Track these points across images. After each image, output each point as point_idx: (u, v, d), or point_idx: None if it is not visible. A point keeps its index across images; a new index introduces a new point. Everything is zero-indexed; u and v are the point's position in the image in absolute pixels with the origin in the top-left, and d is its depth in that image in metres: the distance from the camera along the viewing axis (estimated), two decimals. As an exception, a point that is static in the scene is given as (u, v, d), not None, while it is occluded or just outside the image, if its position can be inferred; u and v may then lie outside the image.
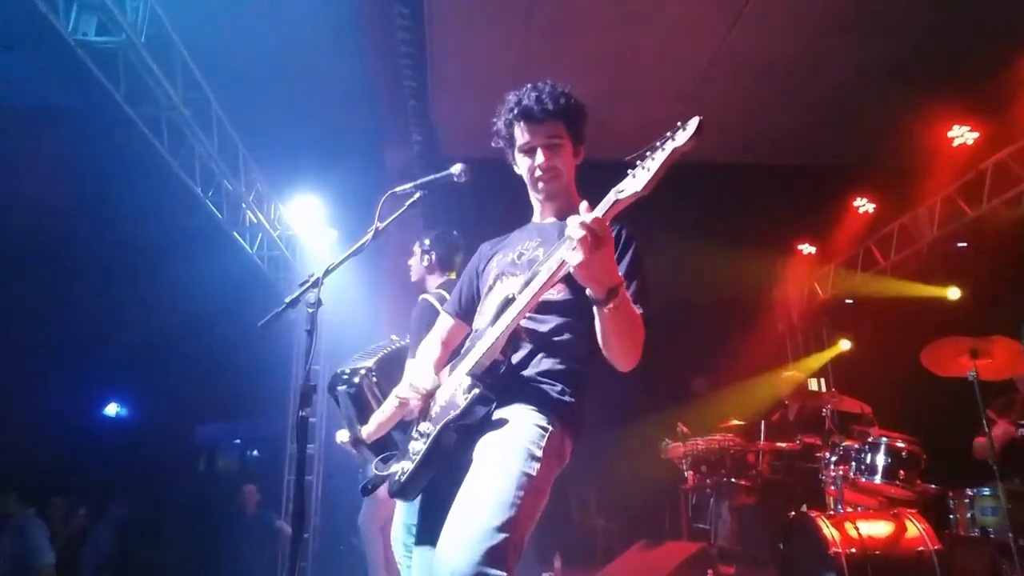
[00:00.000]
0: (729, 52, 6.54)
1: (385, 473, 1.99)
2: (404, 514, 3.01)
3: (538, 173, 2.10)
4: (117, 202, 6.72)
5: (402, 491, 1.92)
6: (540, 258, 1.96)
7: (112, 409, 10.80)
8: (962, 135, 6.75)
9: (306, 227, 7.18)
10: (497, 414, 1.85)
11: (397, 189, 2.26)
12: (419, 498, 2.00)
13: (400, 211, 2.25)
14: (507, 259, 2.14)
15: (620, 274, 1.73)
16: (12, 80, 5.37)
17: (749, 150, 7.91)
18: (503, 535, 1.62)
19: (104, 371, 9.32)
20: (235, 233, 6.77)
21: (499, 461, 1.75)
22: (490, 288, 2.13)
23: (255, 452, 12.05)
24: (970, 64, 6.09)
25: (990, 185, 6.40)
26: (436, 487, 1.89)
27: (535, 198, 2.21)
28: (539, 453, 1.78)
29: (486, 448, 1.80)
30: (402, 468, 1.93)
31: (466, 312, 2.25)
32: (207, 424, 11.13)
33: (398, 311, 7.73)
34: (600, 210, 1.64)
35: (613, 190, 1.65)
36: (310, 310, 2.11)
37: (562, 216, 2.09)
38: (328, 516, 7.58)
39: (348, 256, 2.23)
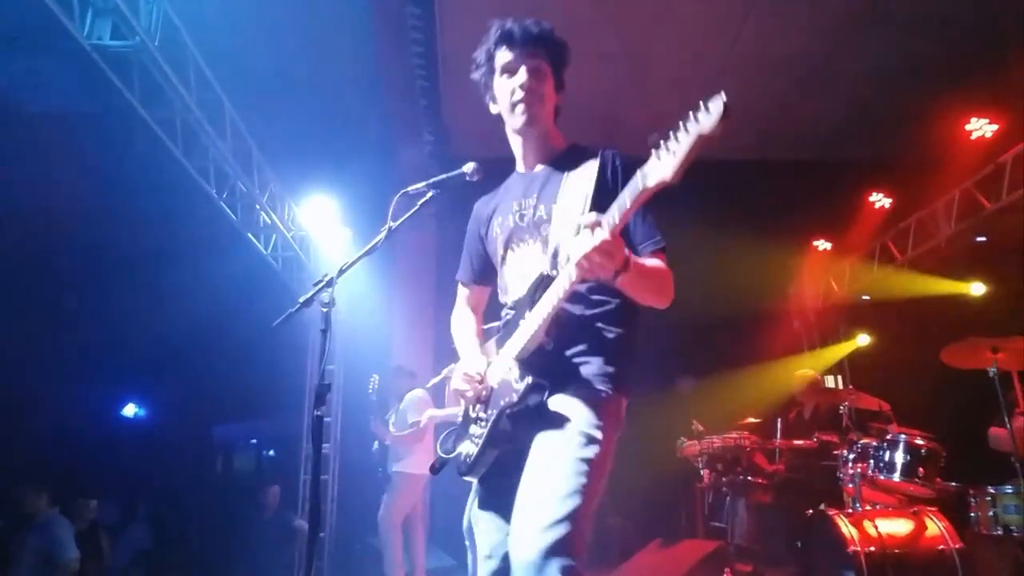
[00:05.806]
0: (743, 47, 6.49)
1: (451, 455, 2.06)
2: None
3: (518, 95, 1.99)
4: (132, 205, 6.77)
5: (470, 471, 2.00)
6: (544, 217, 1.97)
7: (130, 410, 10.90)
8: (980, 128, 6.63)
9: (320, 227, 7.20)
10: (551, 401, 1.86)
11: (410, 188, 2.26)
12: None
13: (413, 210, 2.25)
14: (509, 222, 2.10)
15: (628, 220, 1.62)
16: (28, 85, 5.42)
17: (763, 146, 7.84)
18: (569, 524, 1.67)
19: (122, 372, 9.41)
20: (249, 234, 6.80)
21: (558, 451, 1.78)
22: (503, 259, 2.12)
23: (271, 452, 12.13)
24: (989, 55, 6.01)
25: (1010, 178, 6.29)
26: (495, 460, 1.96)
27: (515, 137, 2.15)
28: (598, 434, 1.81)
29: (544, 438, 1.82)
30: (467, 451, 2.00)
31: (480, 275, 2.31)
32: (223, 424, 11.21)
33: (411, 309, 7.79)
34: (628, 198, 1.54)
35: (639, 172, 1.51)
36: (324, 310, 2.14)
37: (546, 161, 2.10)
38: (344, 515, 7.61)
39: (361, 256, 2.24)
